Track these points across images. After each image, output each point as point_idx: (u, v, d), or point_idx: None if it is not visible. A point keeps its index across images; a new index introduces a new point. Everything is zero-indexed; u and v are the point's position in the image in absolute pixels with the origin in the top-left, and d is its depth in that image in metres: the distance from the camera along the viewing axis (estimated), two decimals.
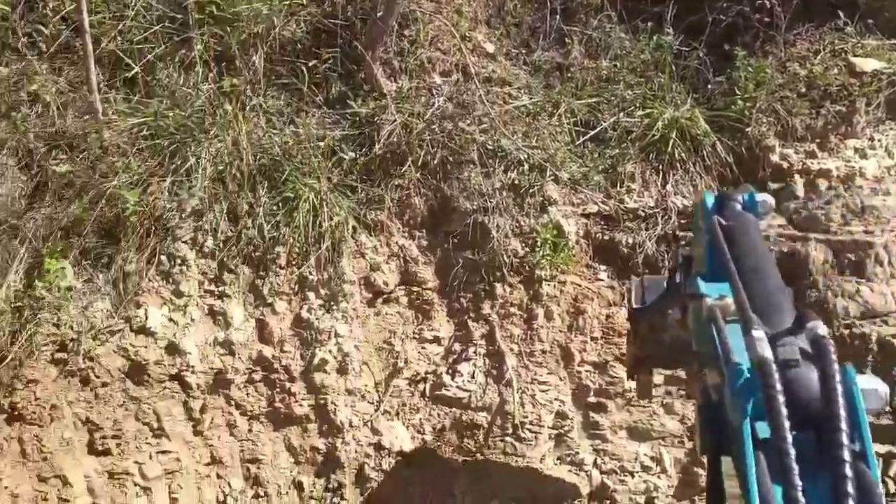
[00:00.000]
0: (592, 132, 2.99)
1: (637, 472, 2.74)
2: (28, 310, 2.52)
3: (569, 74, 3.09)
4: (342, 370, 2.75)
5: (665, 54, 3.04)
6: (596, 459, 2.75)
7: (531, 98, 3.00)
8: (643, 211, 2.91)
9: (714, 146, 2.93)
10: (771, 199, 1.52)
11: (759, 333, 0.91)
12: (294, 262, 2.79)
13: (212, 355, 2.69)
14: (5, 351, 2.49)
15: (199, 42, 2.74)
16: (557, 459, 2.75)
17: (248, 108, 2.79)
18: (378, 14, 2.82)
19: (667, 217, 2.87)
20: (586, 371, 2.81)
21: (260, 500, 2.66)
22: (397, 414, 2.79)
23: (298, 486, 2.69)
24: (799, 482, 0.75)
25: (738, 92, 3.00)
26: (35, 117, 2.65)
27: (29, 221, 2.60)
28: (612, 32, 3.11)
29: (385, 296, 2.87)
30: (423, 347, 2.86)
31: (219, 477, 2.65)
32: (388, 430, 2.77)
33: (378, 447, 2.74)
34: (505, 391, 2.75)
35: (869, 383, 0.87)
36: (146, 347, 2.62)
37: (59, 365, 2.54)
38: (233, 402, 2.68)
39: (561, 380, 2.79)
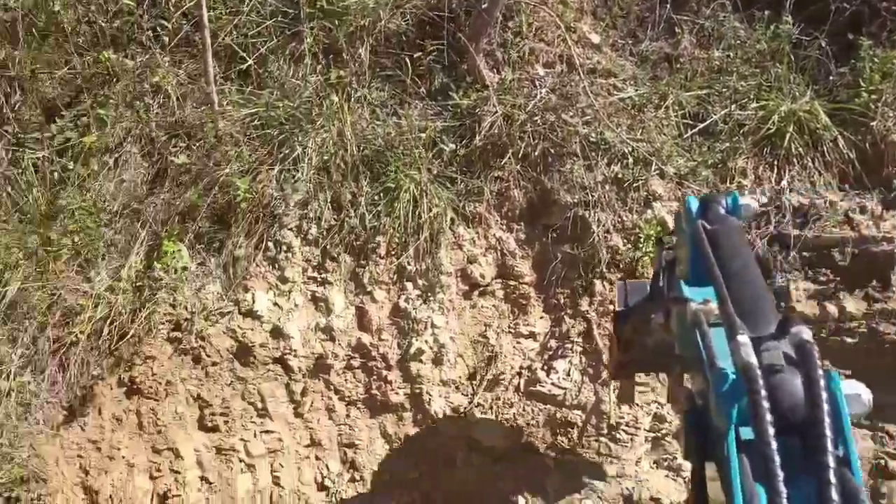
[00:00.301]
0: (701, 125, 2.99)
1: None
2: (147, 290, 2.80)
3: (678, 65, 3.10)
4: (437, 361, 2.90)
5: (783, 44, 3.01)
6: None
7: (637, 90, 3.04)
8: None
9: (835, 141, 2.88)
10: (755, 203, 1.62)
11: (743, 338, 0.92)
12: (393, 252, 2.96)
13: (313, 340, 2.90)
14: (126, 328, 2.78)
15: (309, 35, 2.96)
16: (654, 463, 2.79)
17: (353, 99, 2.98)
18: (483, 6, 2.94)
19: (780, 215, 2.85)
20: (686, 375, 2.84)
21: (356, 483, 2.85)
22: (490, 407, 2.91)
23: (393, 473, 2.86)
24: (783, 488, 0.77)
25: (862, 84, 2.92)
26: (157, 107, 2.93)
27: (149, 206, 2.89)
28: (725, 21, 3.10)
29: (481, 288, 2.99)
30: (518, 342, 2.97)
31: (317, 459, 2.84)
32: (481, 424, 2.90)
33: (470, 439, 2.87)
34: (601, 390, 2.81)
35: (852, 388, 0.91)
36: (252, 330, 2.85)
37: (174, 343, 2.81)
38: (332, 387, 2.87)
39: (660, 382, 2.83)
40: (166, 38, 2.96)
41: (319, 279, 2.94)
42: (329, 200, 2.93)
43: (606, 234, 2.90)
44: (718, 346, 1.02)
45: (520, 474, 2.79)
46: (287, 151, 2.93)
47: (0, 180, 2.81)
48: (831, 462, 0.77)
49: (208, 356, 2.81)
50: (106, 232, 2.80)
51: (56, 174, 2.82)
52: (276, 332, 2.84)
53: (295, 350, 2.84)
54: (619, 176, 2.94)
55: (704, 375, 1.04)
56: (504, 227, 3.01)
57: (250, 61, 2.94)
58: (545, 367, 2.89)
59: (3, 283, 2.69)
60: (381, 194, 2.94)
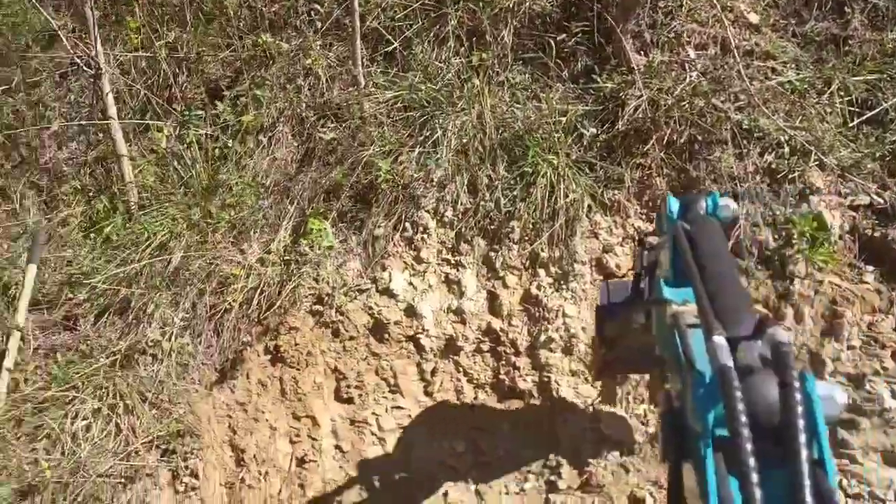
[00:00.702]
0: (870, 113, 2.88)
1: (889, 501, 2.70)
2: (294, 264, 3.13)
3: (846, 48, 3.01)
4: (567, 350, 3.04)
5: None
6: (842, 481, 2.76)
7: (798, 73, 3.00)
8: None
9: None
10: (734, 204, 1.57)
11: (720, 340, 0.96)
12: (527, 238, 3.13)
13: (445, 321, 3.14)
14: (274, 299, 3.14)
15: (454, 17, 3.16)
16: None
17: (493, 82, 3.18)
18: None
19: None
20: (838, 383, 2.81)
21: (480, 466, 3.07)
22: (620, 402, 3.03)
23: (520, 461, 3.06)
24: (758, 491, 0.80)
25: None
26: (308, 89, 3.26)
27: (298, 184, 3.23)
28: None
29: (617, 279, 3.11)
30: None
31: (444, 438, 3.10)
32: (608, 417, 3.03)
33: (597, 432, 3.00)
34: None
35: (827, 390, 0.94)
36: (388, 308, 3.12)
37: (316, 316, 3.13)
38: (461, 369, 3.10)
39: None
40: (319, 23, 3.28)
41: (453, 261, 3.16)
42: (466, 183, 3.14)
43: (754, 227, 2.91)
44: (697, 347, 1.06)
45: (650, 472, 2.91)
46: (427, 133, 3.17)
47: (168, 155, 3.26)
48: (805, 464, 0.81)
49: (346, 330, 3.11)
50: (259, 207, 3.18)
51: (217, 151, 3.22)
52: (410, 311, 3.10)
53: (427, 330, 3.09)
54: (773, 166, 2.92)
55: (682, 377, 1.10)
56: (644, 216, 3.09)
57: (396, 44, 3.19)
58: None
59: (168, 251, 3.13)
60: (518, 178, 3.11)
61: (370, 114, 3.18)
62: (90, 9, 2.98)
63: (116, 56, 3.36)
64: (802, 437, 0.83)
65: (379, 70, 3.25)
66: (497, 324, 3.09)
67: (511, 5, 3.16)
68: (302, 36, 3.30)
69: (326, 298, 3.10)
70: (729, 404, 0.87)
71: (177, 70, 3.39)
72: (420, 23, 3.21)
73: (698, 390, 0.95)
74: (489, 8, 3.17)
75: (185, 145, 3.26)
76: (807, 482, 0.80)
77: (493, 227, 3.14)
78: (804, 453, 0.82)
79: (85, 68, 3.18)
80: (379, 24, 3.22)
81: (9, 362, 2.94)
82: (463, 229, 3.14)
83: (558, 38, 3.15)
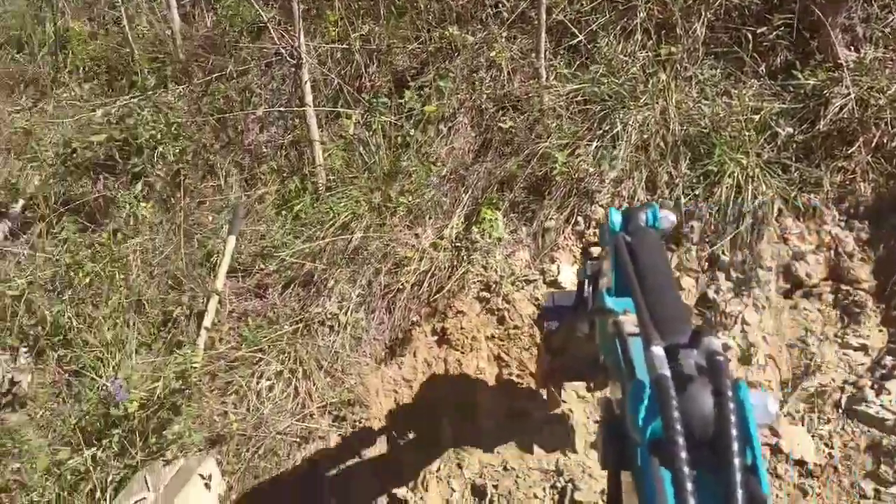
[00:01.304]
0: None
1: None
2: (464, 251, 3.52)
3: None
4: (745, 360, 3.14)
5: None
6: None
7: None
8: None
9: None
10: (673, 216, 1.61)
11: (657, 350, 1.02)
12: (707, 239, 3.28)
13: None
14: (443, 282, 3.54)
15: (643, 10, 3.41)
16: None
17: (681, 76, 3.38)
18: None
19: None
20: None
21: None
22: (802, 419, 3.08)
23: None
24: (692, 498, 0.86)
25: None
26: (489, 81, 3.66)
27: (473, 173, 3.60)
28: None
29: (806, 289, 3.14)
30: (845, 353, 3.07)
31: None
32: (788, 434, 3.09)
33: (775, 449, 3.08)
34: None
35: (759, 398, 1.01)
36: None
37: (483, 302, 3.46)
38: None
39: None
40: (505, 15, 3.67)
41: None
42: (644, 180, 3.36)
43: None
44: (637, 356, 1.13)
45: (831, 497, 2.95)
46: (607, 128, 3.42)
47: (355, 141, 3.79)
48: (738, 471, 0.88)
49: (511, 319, 3.43)
50: (435, 194, 3.61)
51: (399, 138, 3.68)
52: None
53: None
54: None
55: (622, 385, 1.17)
56: (843, 223, 3.12)
57: (581, 37, 3.48)
58: (875, 386, 2.96)
59: (350, 231, 3.63)
60: (701, 177, 3.27)
61: (549, 106, 3.48)
62: (296, 3, 3.55)
63: (315, 47, 3.94)
64: (736, 445, 0.90)
65: (561, 63, 3.55)
66: None
67: None
68: (487, 29, 3.68)
69: (494, 286, 3.42)
70: (665, 413, 0.94)
71: (368, 61, 3.91)
72: (607, 16, 3.47)
73: (636, 399, 1.01)
74: (682, 0, 3.37)
75: (371, 132, 3.76)
76: (739, 490, 0.87)
77: None
78: (737, 461, 0.89)
79: (288, 58, 3.76)
80: (565, 16, 3.52)
81: (207, 322, 3.56)
82: None
83: (757, 32, 3.27)
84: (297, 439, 3.27)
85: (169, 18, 4.50)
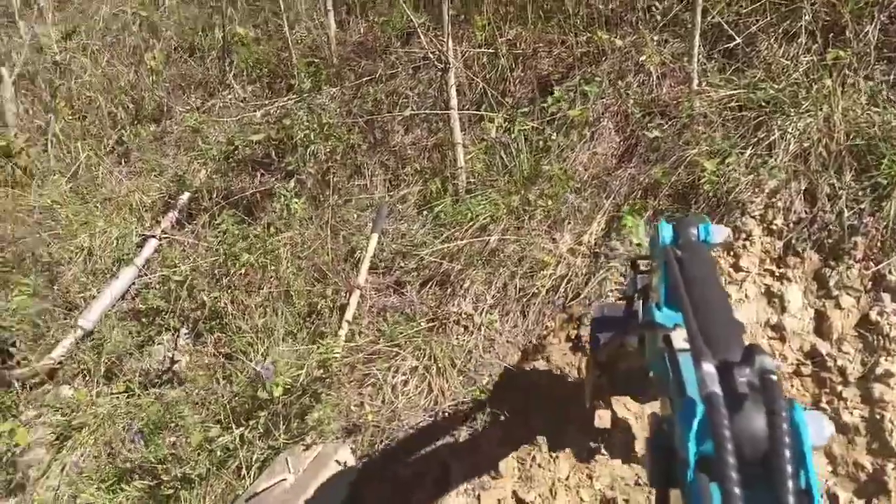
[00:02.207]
0: None
1: None
2: (603, 257, 3.48)
3: None
4: None
5: None
6: None
7: None
8: None
9: None
10: (727, 231, 1.55)
11: (708, 367, 0.99)
12: (872, 257, 3.04)
13: (761, 336, 3.20)
14: (580, 289, 3.51)
15: (809, 12, 3.23)
16: None
17: (848, 82, 3.17)
18: None
19: None
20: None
21: None
22: None
23: (832, 498, 2.99)
24: None
25: None
26: (637, 85, 3.57)
27: (616, 179, 3.55)
28: None
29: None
30: None
31: None
32: None
33: None
34: None
35: (815, 419, 0.96)
36: None
37: None
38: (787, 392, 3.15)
39: None
40: (657, 18, 3.59)
41: (777, 273, 3.21)
42: (802, 191, 3.18)
43: None
44: (686, 373, 1.12)
45: None
46: (762, 136, 3.26)
47: (496, 145, 3.83)
48: (791, 494, 0.84)
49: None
50: (574, 198, 3.58)
51: (541, 142, 3.68)
52: None
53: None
54: None
55: (671, 402, 1.13)
56: None
57: (738, 40, 3.35)
58: None
59: (487, 233, 3.68)
60: (868, 190, 3.05)
61: (700, 112, 3.36)
62: (446, 8, 3.64)
63: (462, 52, 4.03)
64: (789, 467, 0.87)
65: (715, 67, 3.42)
66: (824, 347, 3.06)
67: None
68: (637, 32, 3.62)
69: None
70: (716, 431, 0.91)
71: (513, 65, 3.95)
72: (768, 17, 3.31)
73: (686, 417, 0.99)
74: (852, 1, 3.16)
75: (512, 136, 3.80)
76: None
77: (830, 240, 3.11)
78: (790, 483, 0.86)
79: (435, 62, 3.87)
80: (722, 19, 3.40)
81: (349, 315, 3.73)
82: (793, 240, 3.17)
83: None
84: (429, 435, 3.34)
85: (325, 25, 4.75)
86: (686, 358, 1.21)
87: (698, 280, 1.42)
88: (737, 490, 0.87)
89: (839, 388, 3.00)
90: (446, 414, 3.40)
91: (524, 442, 3.42)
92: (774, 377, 1.00)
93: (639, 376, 1.97)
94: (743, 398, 0.99)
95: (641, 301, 2.06)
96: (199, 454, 3.42)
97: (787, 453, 0.90)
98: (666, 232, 1.67)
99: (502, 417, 3.44)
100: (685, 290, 1.32)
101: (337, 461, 3.21)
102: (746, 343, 1.12)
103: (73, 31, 5.90)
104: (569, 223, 3.54)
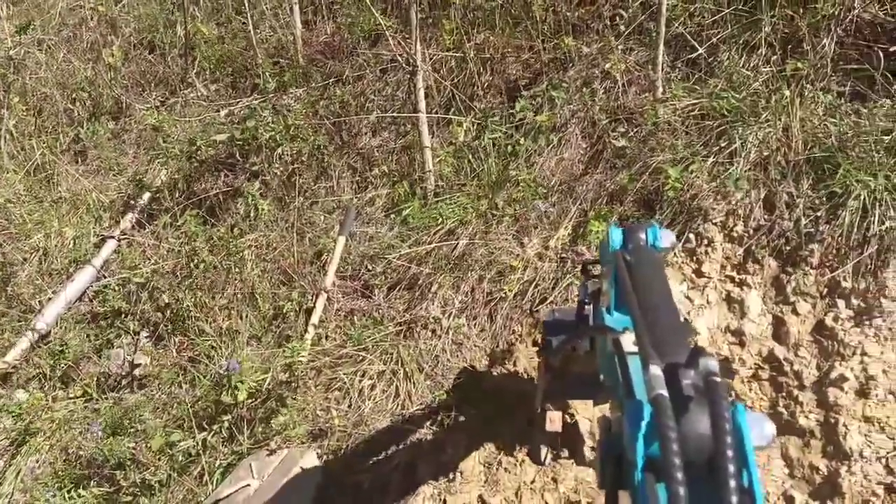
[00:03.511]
0: None
1: None
2: (570, 262, 3.55)
3: None
4: (862, 393, 3.00)
5: None
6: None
7: None
8: None
9: None
10: (673, 237, 1.66)
11: (655, 370, 1.04)
12: (828, 264, 3.15)
13: (721, 341, 3.28)
14: (546, 293, 3.55)
15: (768, 24, 3.33)
16: None
17: (806, 93, 3.28)
18: None
19: None
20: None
21: None
22: None
23: (788, 500, 3.09)
24: None
25: None
26: (602, 92, 3.64)
27: (582, 184, 3.60)
28: None
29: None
30: None
31: None
32: None
33: (890, 489, 2.94)
34: None
35: (757, 421, 1.02)
36: None
37: None
38: (733, 393, 3.24)
39: None
40: (622, 27, 3.66)
41: (737, 279, 3.30)
42: (762, 199, 3.27)
43: None
44: (635, 375, 1.17)
45: None
46: (724, 144, 3.34)
47: (464, 149, 3.86)
48: (733, 493, 0.89)
49: None
50: (543, 205, 3.63)
51: (509, 147, 3.72)
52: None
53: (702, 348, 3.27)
54: None
55: (621, 404, 1.18)
56: None
57: (701, 50, 3.44)
58: None
59: (455, 237, 3.70)
60: (824, 199, 3.15)
61: (664, 120, 3.44)
62: (414, 12, 3.65)
63: (431, 55, 4.05)
64: (732, 466, 0.92)
65: (679, 76, 3.51)
66: (781, 352, 3.15)
67: (836, 12, 3.23)
68: (603, 40, 3.69)
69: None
70: (662, 433, 0.95)
71: (481, 69, 3.98)
72: (729, 29, 3.41)
73: (634, 419, 1.03)
74: (810, 15, 3.27)
75: (481, 141, 3.83)
76: None
77: (788, 248, 3.21)
78: (733, 482, 0.91)
79: (403, 65, 3.89)
80: (685, 29, 3.48)
81: (315, 318, 3.71)
82: (753, 247, 3.26)
83: (890, 49, 3.14)
84: (396, 439, 3.35)
85: (291, 24, 4.72)
86: (635, 360, 1.25)
87: (647, 284, 1.47)
88: (682, 490, 0.90)
89: (795, 392, 3.10)
90: (413, 418, 3.42)
91: (491, 445, 3.46)
92: (718, 379, 1.04)
93: (591, 380, 1.99)
94: (688, 400, 1.03)
95: (592, 305, 2.16)
96: (159, 459, 3.38)
97: (730, 453, 0.93)
98: (616, 237, 1.72)
99: (469, 421, 3.46)
100: (634, 294, 1.36)
101: (302, 466, 3.20)
102: (692, 346, 1.15)
103: (27, 26, 5.74)
104: (536, 228, 3.58)
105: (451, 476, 3.27)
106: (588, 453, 3.12)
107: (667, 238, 1.74)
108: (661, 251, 1.70)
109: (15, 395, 3.98)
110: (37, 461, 3.70)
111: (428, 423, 3.44)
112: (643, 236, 1.68)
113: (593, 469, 3.13)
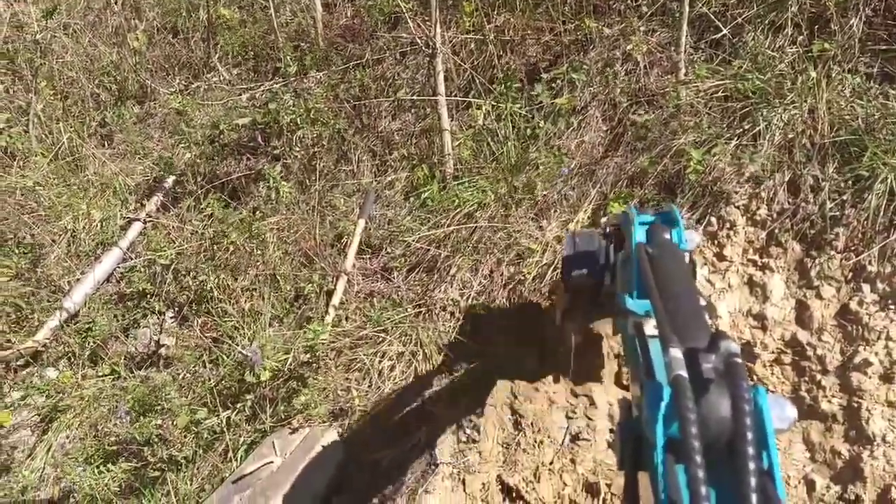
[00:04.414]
0: None
1: None
2: None
3: None
4: (887, 378, 2.94)
5: None
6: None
7: None
8: None
9: None
10: (699, 237, 1.67)
11: (675, 352, 1.03)
12: (853, 248, 3.08)
13: (743, 325, 3.23)
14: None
15: (794, 4, 3.24)
16: None
17: (833, 75, 3.19)
18: None
19: None
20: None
21: None
22: None
23: (809, 484, 3.05)
24: (706, 502, 0.86)
25: None
26: (624, 74, 3.57)
27: (602, 167, 3.56)
28: None
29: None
30: None
31: None
32: None
33: None
34: None
35: (777, 403, 1.01)
36: None
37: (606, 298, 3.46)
38: (755, 378, 3.19)
39: None
40: (644, 8, 3.57)
41: (760, 263, 3.23)
42: (786, 182, 3.20)
43: None
44: (656, 358, 1.16)
45: None
46: (747, 126, 3.27)
47: (484, 132, 3.81)
48: (753, 474, 0.89)
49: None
50: (567, 171, 3.57)
51: (528, 130, 3.67)
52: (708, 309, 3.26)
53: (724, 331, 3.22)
54: None
55: (640, 386, 1.16)
56: None
57: (725, 31, 3.35)
58: None
59: (474, 220, 3.67)
60: (850, 182, 3.07)
61: (686, 102, 3.36)
62: None
63: (450, 38, 4.00)
64: (751, 449, 0.91)
65: (702, 57, 3.42)
66: (804, 336, 3.09)
67: None
68: (625, 21, 3.61)
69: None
70: (681, 414, 0.95)
71: (501, 52, 3.92)
72: (755, 9, 3.31)
73: (654, 400, 1.03)
74: None
75: (500, 123, 3.78)
76: (754, 493, 0.88)
77: (812, 231, 3.14)
78: (752, 464, 0.90)
79: (423, 48, 3.84)
80: (709, 9, 3.39)
81: (335, 300, 3.71)
82: (776, 230, 3.19)
83: None
84: (414, 419, 3.35)
85: (311, 7, 4.68)
86: (655, 343, 1.25)
87: (668, 274, 1.46)
88: (701, 473, 0.89)
89: (818, 376, 3.04)
90: (432, 398, 3.41)
91: (512, 427, 3.44)
92: (739, 361, 1.03)
93: (609, 300, 2.06)
94: (708, 382, 1.02)
95: (612, 245, 2.24)
96: (185, 436, 3.41)
97: (750, 435, 0.92)
98: (640, 232, 1.71)
99: (488, 403, 3.45)
100: (655, 282, 1.36)
101: (323, 445, 3.21)
102: (713, 331, 1.15)
103: (53, 10, 5.75)
104: (555, 211, 3.53)
105: (469, 456, 3.26)
106: (607, 428, 3.09)
107: (692, 239, 1.74)
108: (685, 251, 1.68)
109: (45, 373, 4.03)
110: (67, 437, 3.75)
111: (446, 403, 3.43)
112: (667, 236, 1.66)
113: (612, 450, 3.12)
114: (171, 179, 4.64)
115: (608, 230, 2.29)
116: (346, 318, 3.62)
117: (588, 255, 2.41)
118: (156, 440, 3.44)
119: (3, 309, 4.09)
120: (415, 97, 4.05)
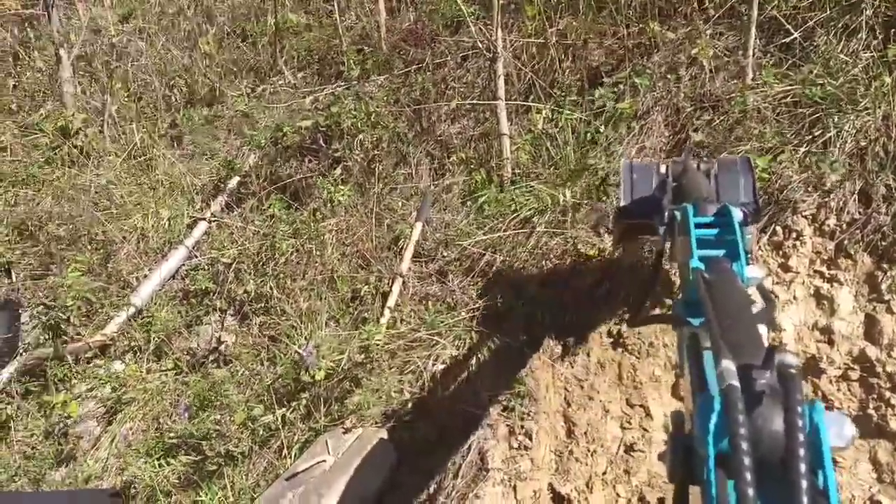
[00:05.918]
0: None
1: None
2: (646, 252, 3.47)
3: None
4: None
5: None
6: None
7: None
8: None
9: None
10: (762, 271, 1.65)
11: (728, 364, 1.02)
12: None
13: (808, 339, 3.14)
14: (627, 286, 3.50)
15: (869, 7, 3.14)
16: None
17: None
18: None
19: None
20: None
21: None
22: None
23: None
24: None
25: None
26: (688, 79, 3.53)
27: None
28: None
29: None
30: None
31: None
32: None
33: None
34: None
35: (835, 420, 0.96)
36: None
37: (665, 309, 3.42)
38: (820, 393, 3.10)
39: None
40: (711, 11, 3.52)
41: (828, 275, 3.14)
42: (857, 191, 3.10)
43: None
44: (708, 369, 1.16)
45: None
46: (817, 133, 3.18)
47: (543, 136, 3.82)
48: (805, 493, 0.85)
49: None
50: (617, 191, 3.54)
51: (588, 135, 3.67)
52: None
53: (786, 344, 3.13)
54: None
55: (692, 398, 1.16)
56: None
57: (795, 34, 3.27)
58: None
59: (531, 225, 3.68)
60: None
61: (753, 108, 3.30)
62: None
63: (511, 42, 4.03)
64: (803, 466, 0.87)
65: (770, 62, 3.35)
66: (873, 352, 2.99)
67: None
68: (690, 24, 3.57)
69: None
70: (732, 426, 0.92)
71: (562, 56, 3.92)
72: (828, 12, 3.23)
73: (706, 413, 1.00)
74: None
75: (559, 128, 3.78)
76: None
77: (884, 243, 3.03)
78: (804, 482, 0.86)
79: (484, 52, 3.88)
80: (779, 12, 3.32)
81: (391, 302, 3.78)
82: (846, 241, 3.10)
83: None
84: (467, 423, 3.38)
85: (376, 12, 4.78)
86: (709, 355, 1.25)
87: (725, 294, 1.45)
88: (751, 491, 0.87)
89: (887, 394, 2.94)
90: (485, 403, 3.43)
91: (565, 436, 3.44)
92: (794, 373, 1.00)
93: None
94: (761, 396, 1.00)
95: (672, 194, 2.32)
96: (242, 432, 3.52)
97: (802, 452, 0.90)
98: (697, 261, 1.68)
99: (540, 410, 3.45)
100: (711, 301, 1.36)
101: (376, 446, 3.27)
102: (768, 347, 1.12)
103: (129, 14, 6.04)
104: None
105: (520, 463, 3.28)
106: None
107: (755, 278, 1.69)
108: (747, 283, 1.67)
109: (112, 366, 4.22)
110: (130, 429, 3.93)
111: (500, 410, 3.44)
112: (727, 267, 1.64)
113: (661, 461, 3.09)
114: (235, 180, 4.80)
115: (668, 174, 2.43)
116: (401, 321, 3.68)
117: (642, 200, 2.55)
118: (214, 435, 3.56)
119: (75, 303, 4.31)
120: (474, 101, 4.08)
